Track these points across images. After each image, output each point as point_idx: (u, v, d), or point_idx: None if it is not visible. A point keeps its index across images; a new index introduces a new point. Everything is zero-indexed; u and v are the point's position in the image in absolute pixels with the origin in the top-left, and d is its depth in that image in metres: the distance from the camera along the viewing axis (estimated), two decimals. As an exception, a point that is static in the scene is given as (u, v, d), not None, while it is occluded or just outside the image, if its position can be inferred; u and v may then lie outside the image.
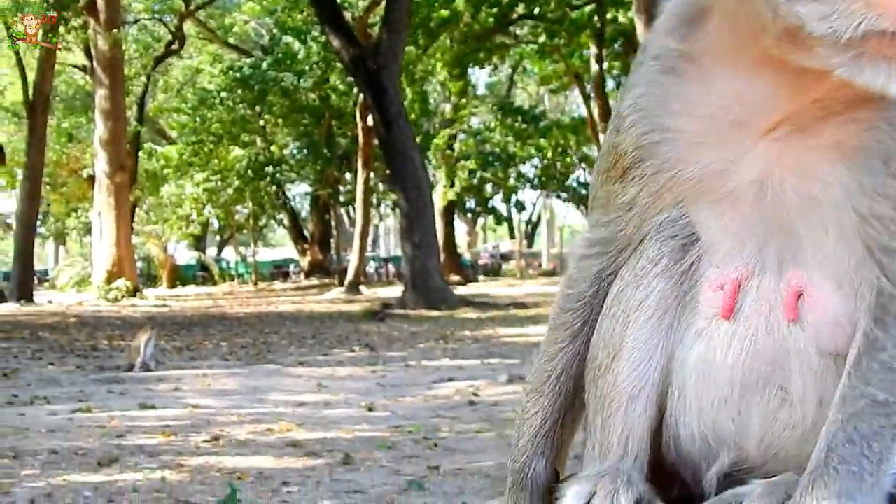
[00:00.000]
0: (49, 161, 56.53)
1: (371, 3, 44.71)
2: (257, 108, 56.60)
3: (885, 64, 2.08)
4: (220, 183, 58.11)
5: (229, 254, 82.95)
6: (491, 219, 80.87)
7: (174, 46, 58.86)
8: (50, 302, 44.37)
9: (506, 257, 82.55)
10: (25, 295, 43.94)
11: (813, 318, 2.41)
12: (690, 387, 2.50)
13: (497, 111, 63.91)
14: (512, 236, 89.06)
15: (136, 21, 58.45)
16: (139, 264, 58.53)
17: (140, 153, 58.51)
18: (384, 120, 37.65)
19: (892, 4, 2.04)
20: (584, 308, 2.66)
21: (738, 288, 2.45)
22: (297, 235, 71.79)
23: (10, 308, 39.71)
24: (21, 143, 55.01)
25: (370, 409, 15.06)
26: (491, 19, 51.40)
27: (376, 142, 42.79)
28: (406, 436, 12.64)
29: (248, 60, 55.44)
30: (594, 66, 52.77)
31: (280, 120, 59.08)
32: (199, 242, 77.13)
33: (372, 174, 53.34)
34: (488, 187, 69.21)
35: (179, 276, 63.87)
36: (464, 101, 63.23)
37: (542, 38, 55.01)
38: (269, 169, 58.27)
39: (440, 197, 59.49)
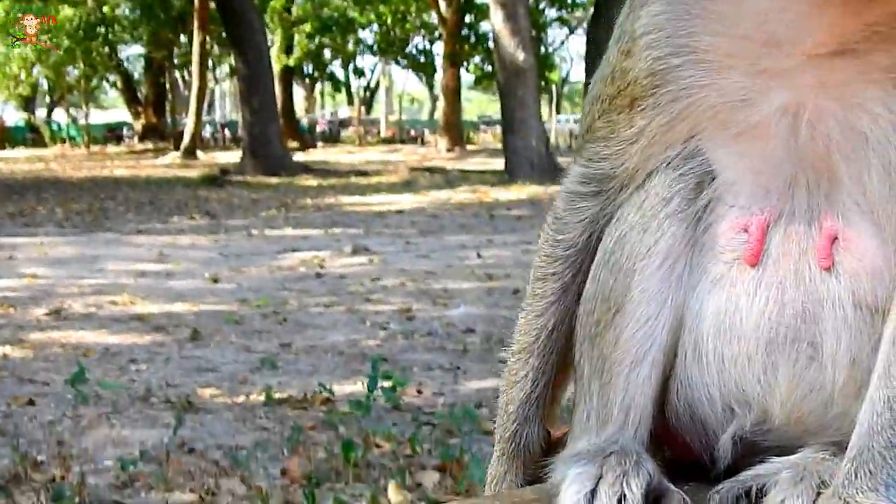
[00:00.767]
0: None
1: None
2: (88, -35, 54.67)
3: None
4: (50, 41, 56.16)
5: (60, 115, 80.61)
6: (329, 85, 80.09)
7: None
8: None
9: (344, 124, 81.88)
10: None
11: (849, 266, 2.15)
12: (708, 342, 2.22)
13: (336, -26, 62.86)
14: (350, 102, 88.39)
15: None
16: (-36, 125, 56.56)
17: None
18: (222, -20, 36.72)
19: None
20: (577, 256, 2.37)
21: (765, 230, 2.18)
22: (131, 98, 69.94)
23: None
24: None
25: (215, 281, 14.83)
26: None
27: (213, 4, 41.70)
28: (254, 310, 12.49)
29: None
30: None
31: (112, -23, 57.18)
32: (28, 104, 74.78)
33: (208, 37, 52.08)
34: (327, 52, 68.32)
35: (7, 137, 62.05)
36: (302, -38, 62.05)
37: None
38: (101, 29, 56.49)
39: (275, 60, 58.54)
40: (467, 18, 57.06)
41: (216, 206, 26.32)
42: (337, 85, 77.31)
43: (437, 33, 62.04)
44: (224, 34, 45.40)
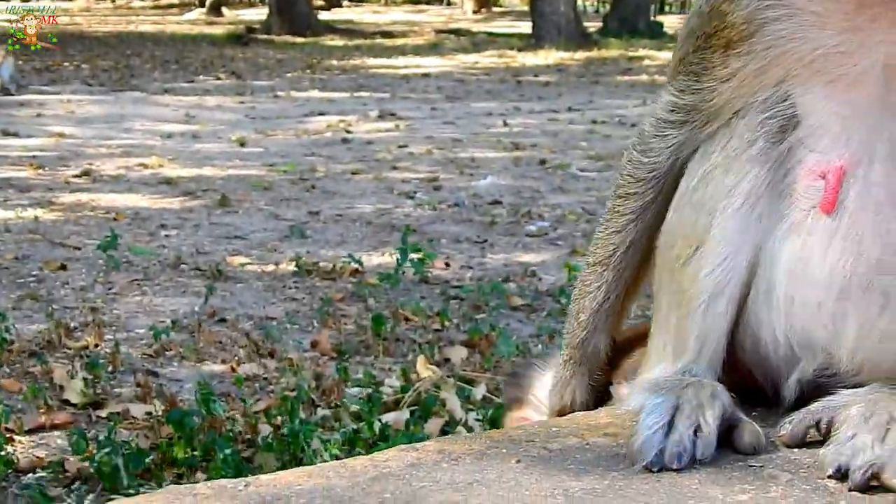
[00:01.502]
0: None
1: None
2: None
3: None
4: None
5: (83, -34, 79.72)
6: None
7: None
8: None
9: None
10: None
11: None
12: (780, 285, 2.26)
13: None
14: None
15: None
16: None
17: None
18: None
19: None
20: (660, 180, 2.42)
21: (841, 178, 2.19)
22: (155, -50, 69.13)
23: None
24: None
25: (242, 145, 14.84)
26: None
27: None
28: (281, 175, 12.52)
29: None
30: None
31: None
32: (51, -46, 73.98)
33: None
34: None
35: (31, -11, 61.41)
36: None
37: None
38: None
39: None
40: None
41: (242, 66, 26.18)
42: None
43: None
44: None
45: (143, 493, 3.65)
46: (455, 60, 28.35)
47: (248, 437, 5.31)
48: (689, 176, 2.35)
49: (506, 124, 17.05)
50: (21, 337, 6.75)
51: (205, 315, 7.36)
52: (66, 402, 5.81)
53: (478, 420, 5.42)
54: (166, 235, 9.61)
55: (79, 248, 9.02)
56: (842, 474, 2.08)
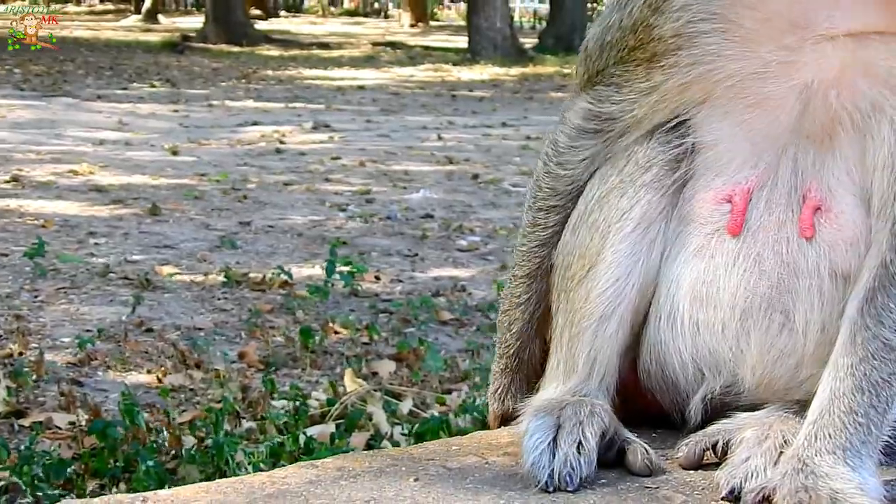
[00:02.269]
0: None
1: None
2: None
3: None
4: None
5: (18, -30, 78.87)
6: (294, -50, 78.72)
7: None
8: None
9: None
10: None
11: (829, 236, 2.22)
12: (684, 309, 2.31)
13: None
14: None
15: None
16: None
17: None
18: None
19: None
20: (577, 192, 2.44)
21: (748, 200, 2.24)
22: (91, -45, 68.57)
23: None
24: None
25: (174, 153, 14.74)
26: None
27: None
28: (213, 185, 12.45)
29: None
30: None
31: None
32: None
33: None
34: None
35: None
36: None
37: None
38: None
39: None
40: None
41: (176, 74, 26.03)
42: (302, -49, 75.97)
43: None
44: None
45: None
46: (391, 73, 28.36)
47: (173, 448, 5.28)
48: (586, 197, 2.40)
49: (440, 138, 17.08)
50: (-56, 344, 6.68)
51: (132, 325, 7.31)
52: (-11, 410, 5.75)
53: (403, 434, 5.43)
54: (95, 244, 9.52)
55: (5, 255, 8.92)
56: (735, 496, 2.13)
